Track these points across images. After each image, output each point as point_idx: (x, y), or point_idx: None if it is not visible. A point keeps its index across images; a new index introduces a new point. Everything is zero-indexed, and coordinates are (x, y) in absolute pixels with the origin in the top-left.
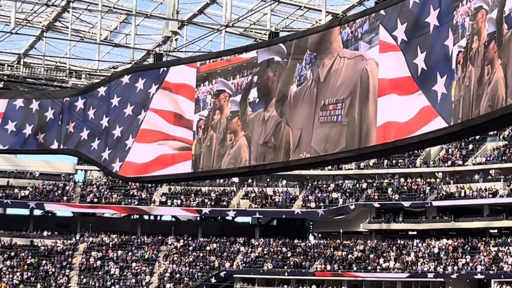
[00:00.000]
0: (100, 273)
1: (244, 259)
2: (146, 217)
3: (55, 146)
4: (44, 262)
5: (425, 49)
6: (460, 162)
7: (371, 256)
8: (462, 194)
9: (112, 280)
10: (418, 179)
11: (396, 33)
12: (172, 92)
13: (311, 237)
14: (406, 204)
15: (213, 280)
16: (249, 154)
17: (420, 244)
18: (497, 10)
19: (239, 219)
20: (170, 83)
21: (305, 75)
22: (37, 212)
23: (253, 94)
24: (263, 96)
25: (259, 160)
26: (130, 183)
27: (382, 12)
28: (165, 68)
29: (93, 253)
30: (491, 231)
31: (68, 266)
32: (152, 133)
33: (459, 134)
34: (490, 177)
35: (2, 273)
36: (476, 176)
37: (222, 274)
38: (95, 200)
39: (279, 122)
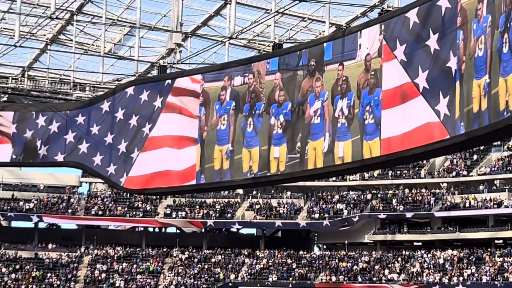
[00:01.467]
0: (105, 285)
1: (249, 271)
2: (150, 229)
3: (59, 158)
4: (49, 274)
5: (426, 68)
6: (465, 173)
7: (376, 267)
8: (467, 205)
9: None
10: (423, 190)
11: (396, 53)
12: (179, 102)
13: (316, 249)
14: (411, 215)
15: None
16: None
17: (425, 255)
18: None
19: (244, 231)
20: (176, 94)
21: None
22: (42, 225)
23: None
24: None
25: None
26: (134, 195)
27: (382, 31)
28: (169, 81)
29: (98, 266)
30: (496, 241)
31: (73, 278)
32: (160, 139)
33: (464, 144)
34: (495, 187)
35: (7, 286)
36: (481, 187)
37: (227, 286)
38: (100, 212)
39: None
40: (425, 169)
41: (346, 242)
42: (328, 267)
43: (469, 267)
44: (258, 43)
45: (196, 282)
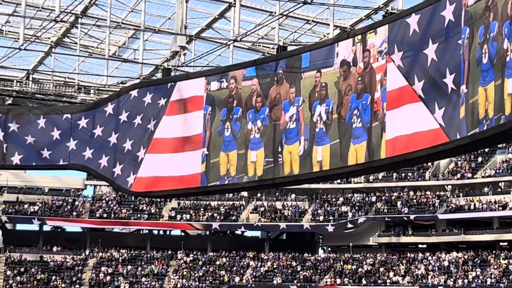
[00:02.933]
0: None
1: (254, 273)
2: (155, 231)
3: (62, 162)
4: (54, 277)
5: (422, 78)
6: (470, 175)
7: (381, 269)
8: (472, 207)
9: None
10: (428, 192)
11: (393, 57)
12: (182, 103)
13: (320, 251)
14: (416, 217)
15: None
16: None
17: (430, 257)
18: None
19: (249, 233)
20: (180, 95)
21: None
22: (47, 227)
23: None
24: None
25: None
26: (139, 198)
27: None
28: (173, 83)
29: (103, 268)
30: (501, 243)
31: (78, 281)
32: (165, 141)
33: (468, 147)
34: (499, 189)
35: None
36: (486, 189)
37: None
38: (105, 215)
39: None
40: (429, 172)
41: (350, 244)
42: (332, 269)
43: (474, 270)
44: (263, 46)
45: (201, 284)
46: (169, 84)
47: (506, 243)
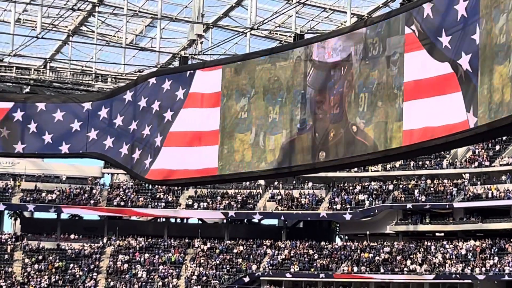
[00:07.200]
0: (127, 276)
1: (271, 262)
2: (172, 220)
3: (80, 151)
4: (71, 265)
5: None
6: (487, 163)
7: (398, 258)
8: (489, 195)
9: (139, 283)
10: (445, 181)
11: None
12: (199, 95)
13: (337, 239)
14: (433, 205)
15: (240, 283)
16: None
17: (447, 246)
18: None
19: (266, 222)
20: (198, 87)
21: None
22: (64, 215)
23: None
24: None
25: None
26: (156, 186)
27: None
28: (191, 71)
29: (120, 257)
30: None
31: (95, 269)
32: (181, 134)
33: (486, 135)
34: None
35: (30, 277)
36: (503, 177)
37: (249, 276)
38: (122, 203)
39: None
40: (447, 160)
41: (368, 232)
42: (350, 257)
43: (491, 258)
44: (280, 34)
45: (218, 273)
46: (188, 73)
47: None
